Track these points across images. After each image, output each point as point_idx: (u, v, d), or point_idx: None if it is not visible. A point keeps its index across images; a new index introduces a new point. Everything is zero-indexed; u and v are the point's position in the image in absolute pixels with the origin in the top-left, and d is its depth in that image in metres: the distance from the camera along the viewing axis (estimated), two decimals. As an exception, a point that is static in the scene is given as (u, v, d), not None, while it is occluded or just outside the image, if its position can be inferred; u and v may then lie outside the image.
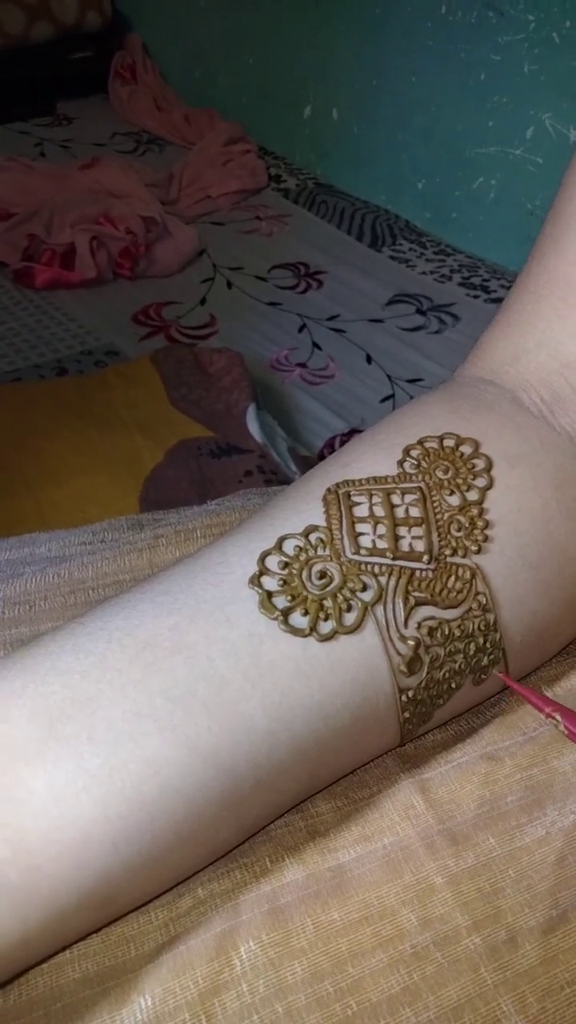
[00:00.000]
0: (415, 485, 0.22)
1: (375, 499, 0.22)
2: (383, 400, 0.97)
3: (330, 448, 0.87)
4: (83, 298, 1.11)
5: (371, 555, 0.21)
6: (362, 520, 0.22)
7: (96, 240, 1.13)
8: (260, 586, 0.20)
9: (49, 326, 1.05)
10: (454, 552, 0.22)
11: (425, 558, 0.21)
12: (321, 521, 0.22)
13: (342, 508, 0.22)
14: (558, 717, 0.20)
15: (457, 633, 0.21)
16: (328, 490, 0.22)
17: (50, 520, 0.59)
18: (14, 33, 1.59)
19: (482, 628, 0.21)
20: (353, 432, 0.90)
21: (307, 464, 0.73)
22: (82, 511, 0.60)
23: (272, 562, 0.21)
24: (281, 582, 0.20)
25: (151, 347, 0.97)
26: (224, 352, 0.84)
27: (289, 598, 0.20)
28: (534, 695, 0.21)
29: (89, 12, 1.67)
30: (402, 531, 0.22)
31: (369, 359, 1.04)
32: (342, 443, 0.85)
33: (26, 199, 1.18)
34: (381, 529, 0.21)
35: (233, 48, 1.58)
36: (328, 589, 0.20)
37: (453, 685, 0.21)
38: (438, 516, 0.22)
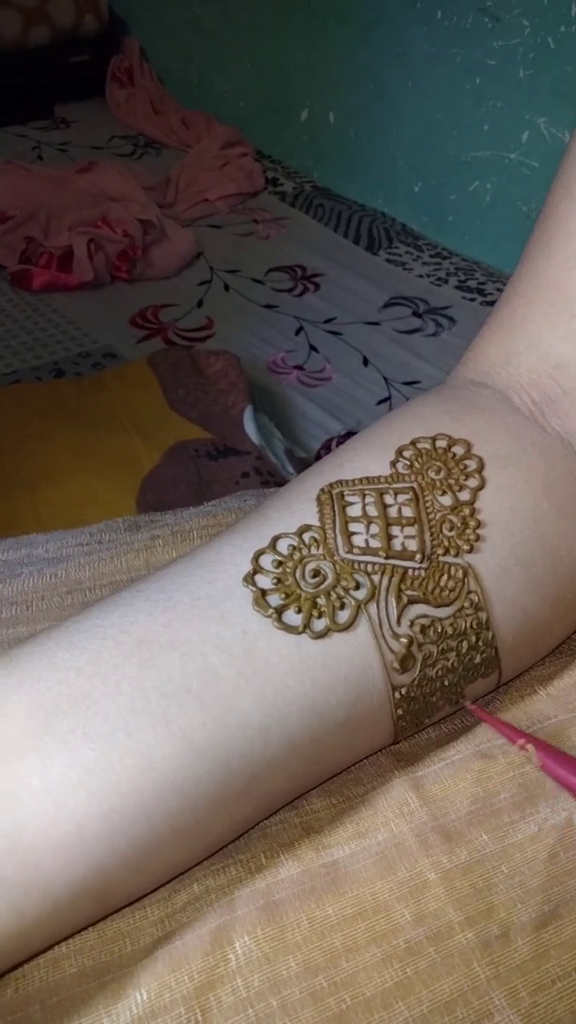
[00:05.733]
0: (408, 485, 0.23)
1: (368, 499, 0.22)
2: (379, 402, 0.97)
3: (327, 450, 0.87)
4: (80, 301, 1.11)
5: (364, 554, 0.21)
6: (355, 519, 0.22)
7: (93, 243, 1.13)
8: (254, 584, 0.20)
9: (46, 329, 1.05)
10: (446, 551, 0.22)
11: (418, 557, 0.21)
12: (315, 520, 0.22)
13: (335, 508, 0.22)
14: (531, 748, 0.20)
15: (450, 631, 0.21)
16: (322, 490, 0.22)
17: (47, 521, 0.59)
18: (11, 37, 1.60)
19: (474, 626, 0.22)
20: (350, 434, 0.90)
21: (304, 465, 0.74)
22: (79, 513, 0.60)
23: (266, 560, 0.21)
24: (275, 580, 0.20)
25: (148, 349, 0.97)
26: (221, 354, 0.84)
27: (283, 596, 0.20)
28: (505, 726, 0.21)
29: (86, 15, 1.67)
30: (395, 530, 0.22)
31: (366, 361, 1.05)
32: (339, 445, 0.85)
33: (23, 202, 1.19)
34: (374, 528, 0.22)
35: (230, 52, 1.58)
36: (321, 587, 0.21)
37: (446, 683, 0.22)
38: (430, 516, 0.22)
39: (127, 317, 1.09)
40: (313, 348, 1.07)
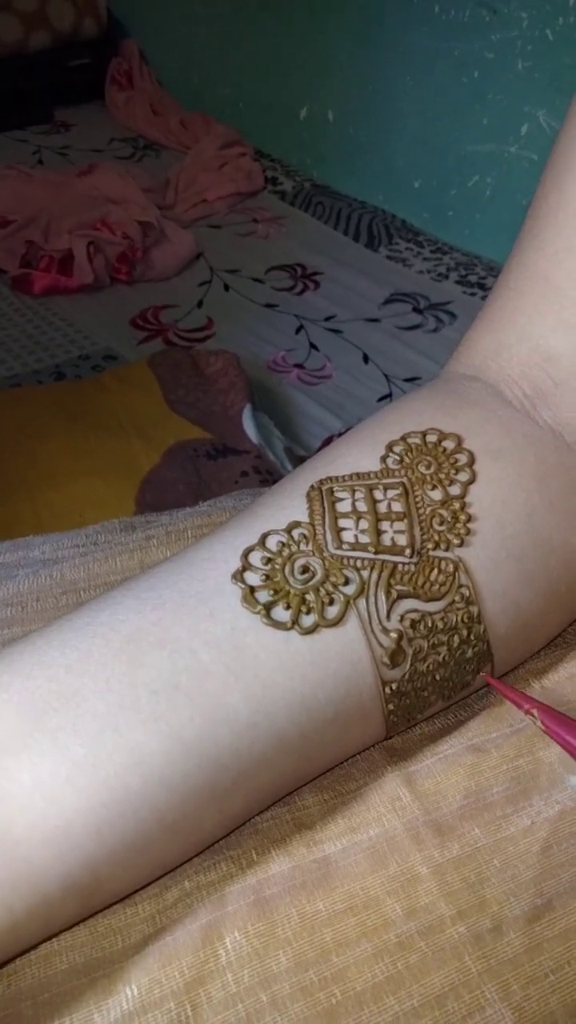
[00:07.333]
0: (397, 480, 0.23)
1: (358, 495, 0.22)
2: (380, 399, 0.97)
3: (328, 448, 0.87)
4: (81, 303, 1.11)
5: (353, 550, 0.21)
6: (345, 515, 0.22)
7: (93, 245, 1.13)
8: (243, 581, 0.20)
9: (47, 332, 1.06)
10: (436, 546, 0.22)
11: (407, 552, 0.21)
12: (304, 517, 0.22)
13: (325, 504, 0.22)
14: (535, 713, 0.20)
15: (440, 626, 0.21)
16: (312, 486, 0.22)
17: (47, 523, 0.59)
18: (11, 42, 1.60)
19: (465, 620, 0.22)
20: (351, 432, 0.89)
21: (304, 464, 0.73)
22: (79, 514, 0.60)
23: (255, 557, 0.21)
24: (264, 577, 0.20)
25: (149, 351, 0.97)
26: (220, 354, 0.84)
27: (272, 592, 0.20)
28: (513, 691, 0.21)
29: (85, 19, 1.68)
30: (384, 526, 0.22)
31: (366, 359, 1.04)
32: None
33: (24, 206, 1.19)
34: (363, 524, 0.22)
35: (228, 52, 1.58)
36: (310, 583, 0.21)
37: (437, 677, 0.22)
38: (420, 510, 0.22)
39: (127, 319, 1.09)
40: (313, 346, 1.07)
